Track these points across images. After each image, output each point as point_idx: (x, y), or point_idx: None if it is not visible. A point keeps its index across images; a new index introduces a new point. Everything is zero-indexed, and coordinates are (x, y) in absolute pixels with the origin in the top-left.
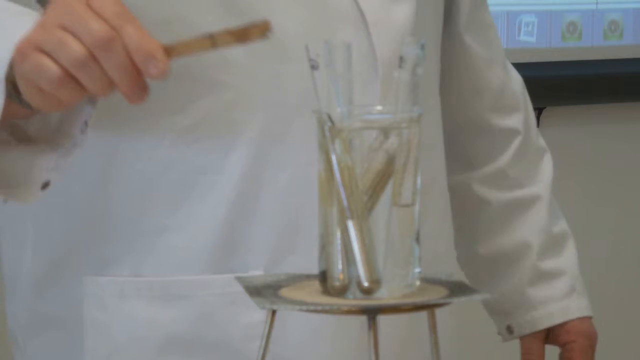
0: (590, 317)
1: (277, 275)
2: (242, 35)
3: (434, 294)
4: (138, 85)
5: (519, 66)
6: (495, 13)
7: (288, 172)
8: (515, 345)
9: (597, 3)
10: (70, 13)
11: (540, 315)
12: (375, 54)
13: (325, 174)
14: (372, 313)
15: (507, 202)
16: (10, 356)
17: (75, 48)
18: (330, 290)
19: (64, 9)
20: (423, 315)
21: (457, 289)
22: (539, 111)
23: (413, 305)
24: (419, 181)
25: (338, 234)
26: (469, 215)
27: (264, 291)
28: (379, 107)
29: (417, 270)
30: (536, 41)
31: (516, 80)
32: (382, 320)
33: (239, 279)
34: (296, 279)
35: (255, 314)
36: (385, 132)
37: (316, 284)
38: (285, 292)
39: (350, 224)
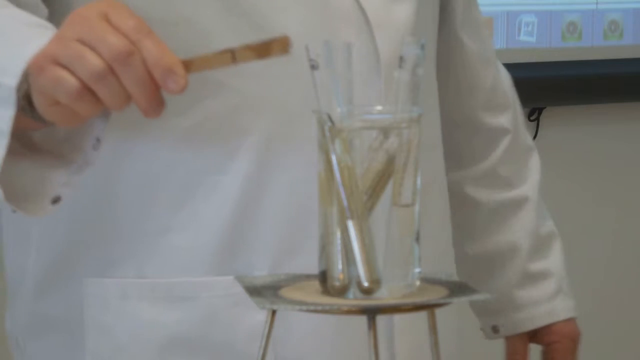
0: (574, 318)
1: (277, 275)
2: (264, 50)
3: (434, 294)
4: (155, 99)
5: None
6: (495, 13)
7: (292, 174)
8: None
9: (597, 3)
10: (88, 26)
11: (526, 317)
12: (378, 54)
13: (325, 174)
14: (372, 313)
15: (497, 204)
16: (9, 358)
17: (94, 61)
18: (330, 290)
19: (82, 23)
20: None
21: (457, 289)
22: (539, 111)
23: (413, 305)
24: (419, 181)
25: (338, 234)
26: (458, 215)
27: (264, 291)
28: (379, 107)
29: (417, 270)
30: (536, 41)
31: (506, 79)
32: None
33: (238, 279)
34: (296, 279)
35: (258, 315)
36: (385, 132)
37: (316, 284)
38: (285, 292)
39: (350, 224)
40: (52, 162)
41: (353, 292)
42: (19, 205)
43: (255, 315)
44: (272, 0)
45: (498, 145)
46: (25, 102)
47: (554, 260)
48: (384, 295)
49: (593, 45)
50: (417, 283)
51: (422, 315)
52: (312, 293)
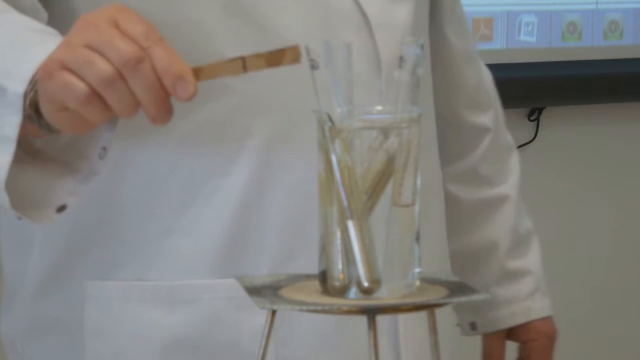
0: (551, 316)
1: (277, 275)
2: (275, 59)
3: (434, 294)
4: (164, 106)
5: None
6: (495, 13)
7: (294, 176)
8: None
9: (597, 3)
10: (97, 32)
11: (504, 315)
12: (379, 54)
13: (325, 174)
14: (372, 313)
15: (477, 202)
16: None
17: (103, 67)
18: (330, 290)
19: (90, 28)
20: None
21: (457, 289)
22: (539, 111)
23: (413, 305)
24: (419, 181)
25: (338, 234)
26: None
27: (264, 291)
28: (379, 107)
29: (417, 270)
30: (536, 41)
31: (488, 77)
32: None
33: (239, 279)
34: (296, 279)
35: (260, 317)
36: (385, 132)
37: (316, 284)
38: (285, 292)
39: (350, 224)
40: (58, 170)
41: (353, 292)
42: (25, 213)
43: (257, 317)
44: (272, 1)
45: (480, 144)
46: (32, 111)
47: (532, 258)
48: (384, 295)
49: (593, 45)
50: (417, 283)
51: (425, 315)
52: (312, 293)
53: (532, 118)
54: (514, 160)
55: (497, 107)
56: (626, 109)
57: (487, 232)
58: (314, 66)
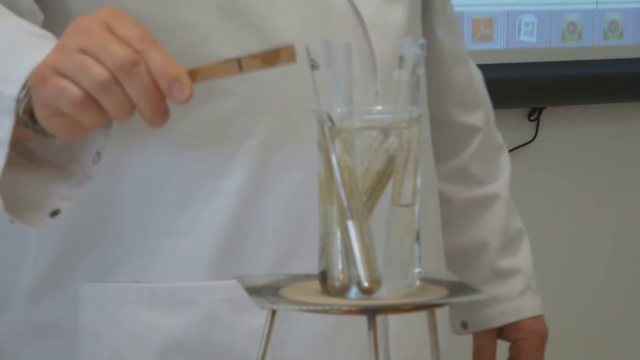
0: (542, 316)
1: (277, 275)
2: (271, 59)
3: (434, 294)
4: (160, 109)
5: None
6: (495, 13)
7: (292, 177)
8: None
9: (597, 3)
10: (90, 36)
11: (494, 314)
12: (374, 55)
13: (325, 174)
14: (372, 313)
15: (467, 201)
16: None
17: (98, 71)
18: (330, 290)
19: (84, 33)
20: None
21: (457, 289)
22: (539, 111)
23: (413, 305)
24: (419, 181)
25: (338, 234)
26: None
27: (263, 291)
28: (379, 107)
29: (417, 270)
30: (536, 41)
31: (478, 76)
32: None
33: (239, 279)
34: (296, 279)
35: (258, 319)
36: (385, 132)
37: (316, 284)
38: (285, 292)
39: (350, 224)
40: (52, 173)
41: (353, 292)
42: (18, 216)
43: (255, 319)
44: (269, 2)
45: (470, 143)
46: (27, 117)
47: (522, 257)
48: (384, 295)
49: (593, 45)
50: (417, 283)
51: (418, 316)
52: (312, 293)
53: (532, 118)
54: (505, 159)
55: (488, 106)
56: (626, 109)
57: (477, 231)
58: (314, 66)
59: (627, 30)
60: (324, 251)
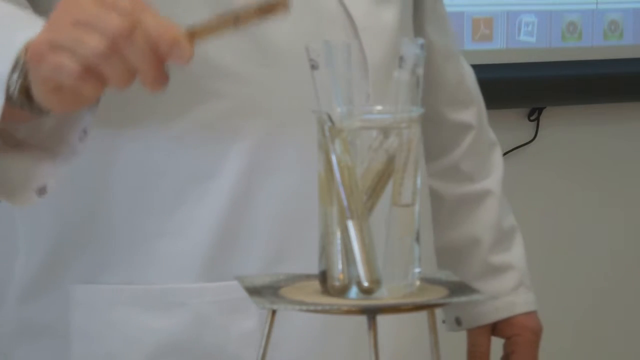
0: (535, 311)
1: (277, 275)
2: (266, 10)
3: (433, 294)
4: (161, 73)
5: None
6: (495, 13)
7: (284, 178)
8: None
9: (597, 3)
10: (82, 9)
11: (487, 310)
12: (366, 57)
13: (325, 174)
14: (372, 313)
15: (459, 197)
16: None
17: (95, 42)
18: (330, 290)
19: (75, 6)
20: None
21: (456, 289)
22: (539, 111)
23: (413, 305)
24: (419, 181)
25: (338, 234)
26: None
27: (263, 291)
28: (379, 107)
29: (417, 270)
30: (536, 41)
31: (470, 74)
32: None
33: (239, 279)
34: (296, 279)
35: (249, 321)
36: (385, 132)
37: (316, 284)
38: (285, 292)
39: (350, 224)
40: (38, 154)
41: (353, 292)
42: (5, 196)
43: (246, 321)
44: None
45: (462, 141)
46: (23, 96)
47: (515, 253)
48: (384, 295)
49: (593, 45)
50: (417, 283)
51: (407, 318)
52: (312, 293)
53: (532, 118)
54: (497, 156)
55: (480, 104)
56: (626, 109)
57: (469, 227)
58: (313, 66)
59: (627, 30)
60: (324, 251)
